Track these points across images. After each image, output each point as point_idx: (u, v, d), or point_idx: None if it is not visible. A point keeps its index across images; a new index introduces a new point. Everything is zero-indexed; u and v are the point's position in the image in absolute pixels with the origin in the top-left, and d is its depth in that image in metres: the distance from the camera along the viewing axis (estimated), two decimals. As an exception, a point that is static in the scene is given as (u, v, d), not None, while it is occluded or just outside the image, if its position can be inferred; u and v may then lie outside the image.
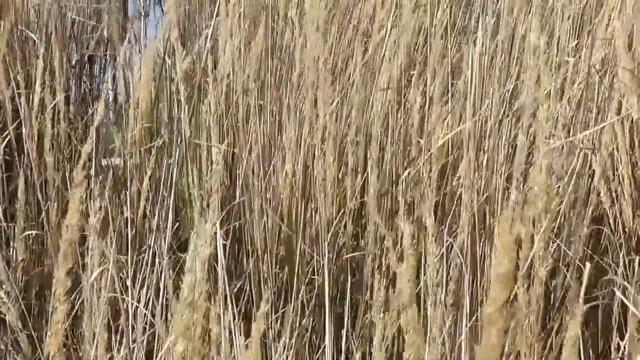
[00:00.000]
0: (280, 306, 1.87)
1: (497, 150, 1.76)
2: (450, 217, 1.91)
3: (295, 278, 1.83)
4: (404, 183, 1.93)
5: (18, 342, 1.89)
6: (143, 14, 3.82)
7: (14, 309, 1.96)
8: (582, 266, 1.60)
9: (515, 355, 1.33)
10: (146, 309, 1.74)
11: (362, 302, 1.91)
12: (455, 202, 1.89)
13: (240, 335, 1.44)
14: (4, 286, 1.98)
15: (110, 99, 3.02)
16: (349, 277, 1.80)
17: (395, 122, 1.98)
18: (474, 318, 1.55)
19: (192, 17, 3.10)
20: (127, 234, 1.92)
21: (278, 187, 1.90)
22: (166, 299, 1.75)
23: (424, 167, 1.90)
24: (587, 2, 2.20)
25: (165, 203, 1.97)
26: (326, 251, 1.73)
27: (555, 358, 1.54)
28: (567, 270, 1.71)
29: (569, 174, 1.76)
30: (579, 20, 2.18)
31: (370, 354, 1.50)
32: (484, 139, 1.85)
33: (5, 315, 1.95)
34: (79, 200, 1.40)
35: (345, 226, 1.92)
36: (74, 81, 2.67)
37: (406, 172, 1.96)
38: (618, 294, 1.53)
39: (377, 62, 2.06)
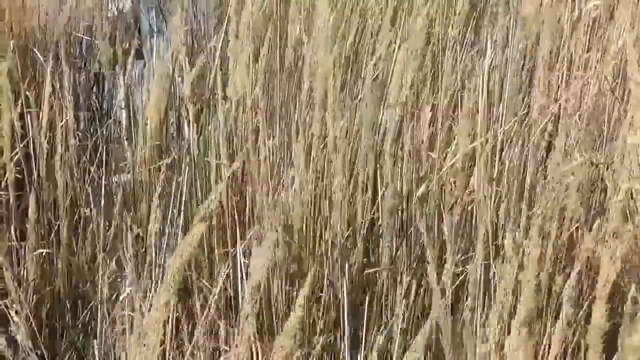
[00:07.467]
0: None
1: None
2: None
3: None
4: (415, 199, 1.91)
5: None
6: (155, 31, 3.82)
7: (24, 328, 1.95)
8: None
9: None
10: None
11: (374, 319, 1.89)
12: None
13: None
14: (14, 305, 1.97)
15: (124, 117, 3.02)
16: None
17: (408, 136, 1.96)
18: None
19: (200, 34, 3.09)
20: (137, 252, 1.91)
21: (287, 204, 1.89)
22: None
23: (440, 183, 1.89)
24: (598, 15, 2.18)
25: (175, 221, 1.96)
26: (342, 270, 1.71)
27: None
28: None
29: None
30: (590, 33, 2.16)
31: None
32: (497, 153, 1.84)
33: (16, 334, 1.95)
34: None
35: (355, 243, 1.90)
36: (83, 100, 2.67)
37: (422, 189, 1.94)
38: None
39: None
